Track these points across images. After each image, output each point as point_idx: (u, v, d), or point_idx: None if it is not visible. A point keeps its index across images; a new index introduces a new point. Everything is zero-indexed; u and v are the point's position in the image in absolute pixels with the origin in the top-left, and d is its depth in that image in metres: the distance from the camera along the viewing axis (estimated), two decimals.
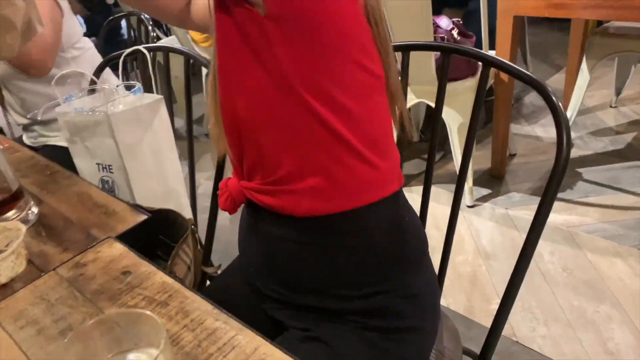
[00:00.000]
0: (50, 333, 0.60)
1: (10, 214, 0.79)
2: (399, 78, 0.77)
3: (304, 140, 0.66)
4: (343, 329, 0.72)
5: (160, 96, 1.13)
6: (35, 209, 0.85)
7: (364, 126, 0.67)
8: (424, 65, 1.82)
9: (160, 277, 0.65)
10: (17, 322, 0.62)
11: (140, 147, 1.12)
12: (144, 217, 0.81)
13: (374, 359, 0.71)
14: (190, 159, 1.25)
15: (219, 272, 1.11)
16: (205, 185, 2.41)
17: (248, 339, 0.53)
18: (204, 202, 1.23)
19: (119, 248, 0.73)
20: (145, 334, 0.42)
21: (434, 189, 0.99)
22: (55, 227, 0.81)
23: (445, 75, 0.92)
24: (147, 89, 1.22)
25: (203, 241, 1.19)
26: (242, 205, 0.80)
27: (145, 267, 0.68)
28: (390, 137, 0.73)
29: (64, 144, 1.46)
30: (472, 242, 1.86)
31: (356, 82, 0.65)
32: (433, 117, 0.96)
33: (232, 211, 0.80)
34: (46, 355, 0.56)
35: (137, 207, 0.84)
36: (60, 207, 0.87)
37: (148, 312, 0.40)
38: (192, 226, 1.01)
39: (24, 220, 0.81)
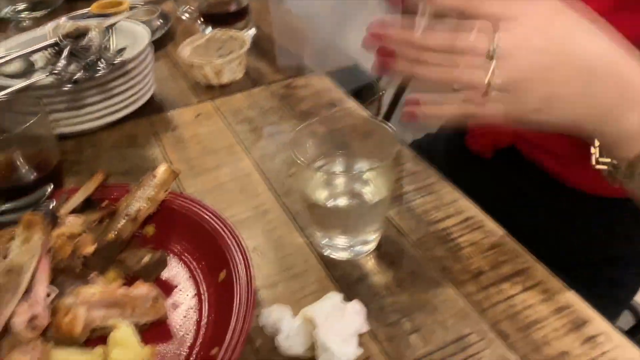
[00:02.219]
0: (262, 133, 0.66)
1: (238, 25, 0.85)
2: None
3: None
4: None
5: None
6: (254, 29, 0.90)
7: None
8: None
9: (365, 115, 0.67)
10: (234, 116, 0.69)
11: None
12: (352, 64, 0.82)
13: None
14: None
15: None
16: None
17: (448, 190, 0.54)
18: None
19: (327, 82, 0.75)
20: (376, 146, 0.44)
21: None
22: (270, 51, 0.86)
23: None
24: None
25: None
26: None
27: (351, 104, 0.70)
28: None
29: None
30: None
31: None
32: None
33: (489, 154, 0.70)
34: (258, 150, 0.63)
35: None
36: (275, 35, 0.92)
37: (387, 125, 0.42)
38: (382, 92, 1.03)
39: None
